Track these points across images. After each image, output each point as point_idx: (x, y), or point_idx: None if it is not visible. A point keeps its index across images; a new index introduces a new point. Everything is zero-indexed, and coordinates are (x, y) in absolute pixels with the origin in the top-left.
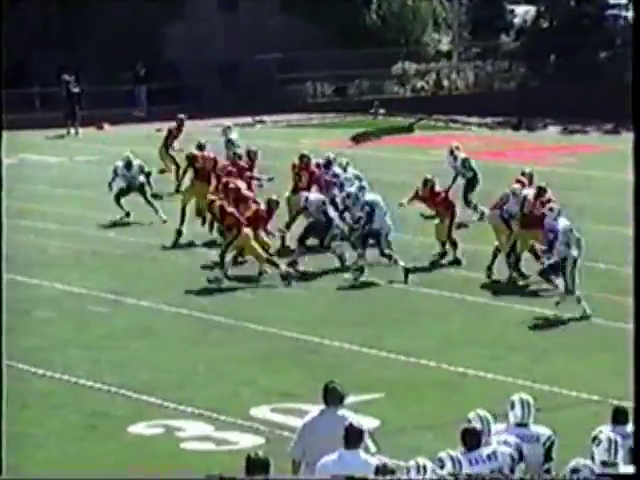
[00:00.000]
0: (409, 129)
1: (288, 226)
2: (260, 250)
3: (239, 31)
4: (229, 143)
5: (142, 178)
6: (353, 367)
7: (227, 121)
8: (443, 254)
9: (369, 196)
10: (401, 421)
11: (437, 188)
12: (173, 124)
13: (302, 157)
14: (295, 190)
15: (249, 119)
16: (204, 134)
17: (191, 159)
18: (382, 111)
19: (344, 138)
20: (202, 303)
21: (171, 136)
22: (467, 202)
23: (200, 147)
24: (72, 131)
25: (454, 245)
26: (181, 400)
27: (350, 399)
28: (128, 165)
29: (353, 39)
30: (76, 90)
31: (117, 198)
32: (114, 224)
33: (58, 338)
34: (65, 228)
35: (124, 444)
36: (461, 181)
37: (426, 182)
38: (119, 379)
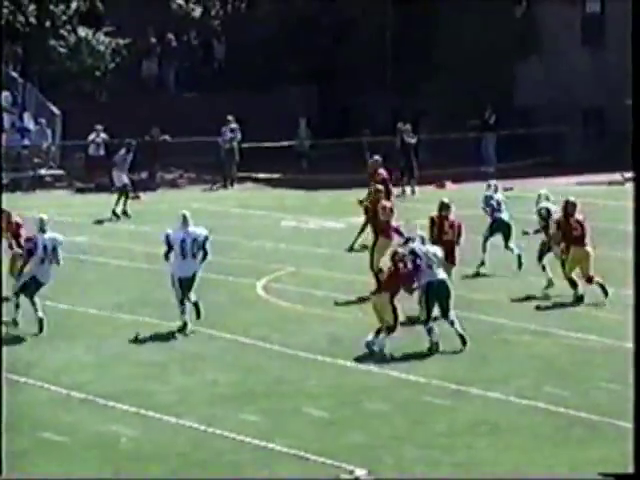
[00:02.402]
0: None
1: None
2: None
3: (606, 70)
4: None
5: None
6: None
7: (592, 178)
8: None
9: None
10: None
11: None
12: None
13: None
14: None
15: (618, 176)
16: (563, 194)
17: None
18: None
19: None
20: (560, 395)
21: None
22: None
23: None
24: (407, 190)
25: None
26: None
27: None
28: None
29: None
30: (412, 141)
31: None
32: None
33: (390, 434)
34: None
35: None
36: None
37: None
38: None
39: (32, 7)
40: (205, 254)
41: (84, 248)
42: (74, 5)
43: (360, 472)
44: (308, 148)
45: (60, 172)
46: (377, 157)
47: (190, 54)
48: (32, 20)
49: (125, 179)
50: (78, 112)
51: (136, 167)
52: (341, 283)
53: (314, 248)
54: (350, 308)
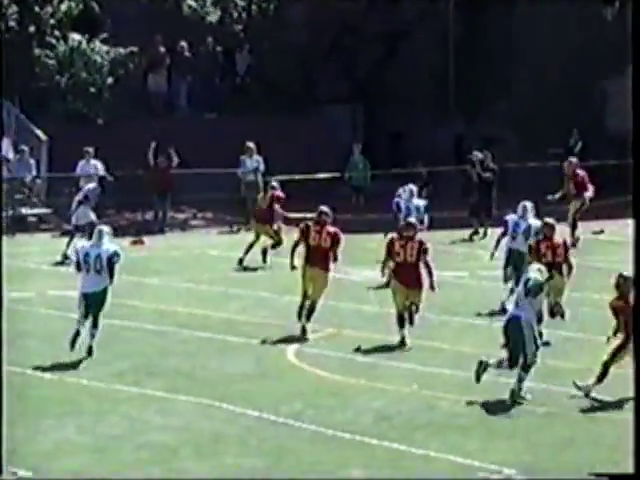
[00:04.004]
0: None
1: None
2: None
3: None
4: None
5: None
6: None
7: None
8: None
9: None
10: None
11: None
12: None
13: None
14: None
15: None
16: None
17: None
18: None
19: None
20: None
21: None
22: None
23: None
24: (481, 231)
25: None
26: None
27: None
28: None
29: None
30: (487, 175)
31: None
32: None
33: None
34: (460, 374)
35: None
36: None
37: None
38: None
39: (13, 9)
40: (111, 275)
41: (76, 304)
42: (64, 6)
43: None
44: (369, 181)
45: (46, 211)
46: (273, 183)
47: (206, 67)
48: (13, 24)
49: (93, 216)
50: (69, 138)
51: (142, 206)
52: (390, 348)
53: (358, 305)
54: (401, 378)
